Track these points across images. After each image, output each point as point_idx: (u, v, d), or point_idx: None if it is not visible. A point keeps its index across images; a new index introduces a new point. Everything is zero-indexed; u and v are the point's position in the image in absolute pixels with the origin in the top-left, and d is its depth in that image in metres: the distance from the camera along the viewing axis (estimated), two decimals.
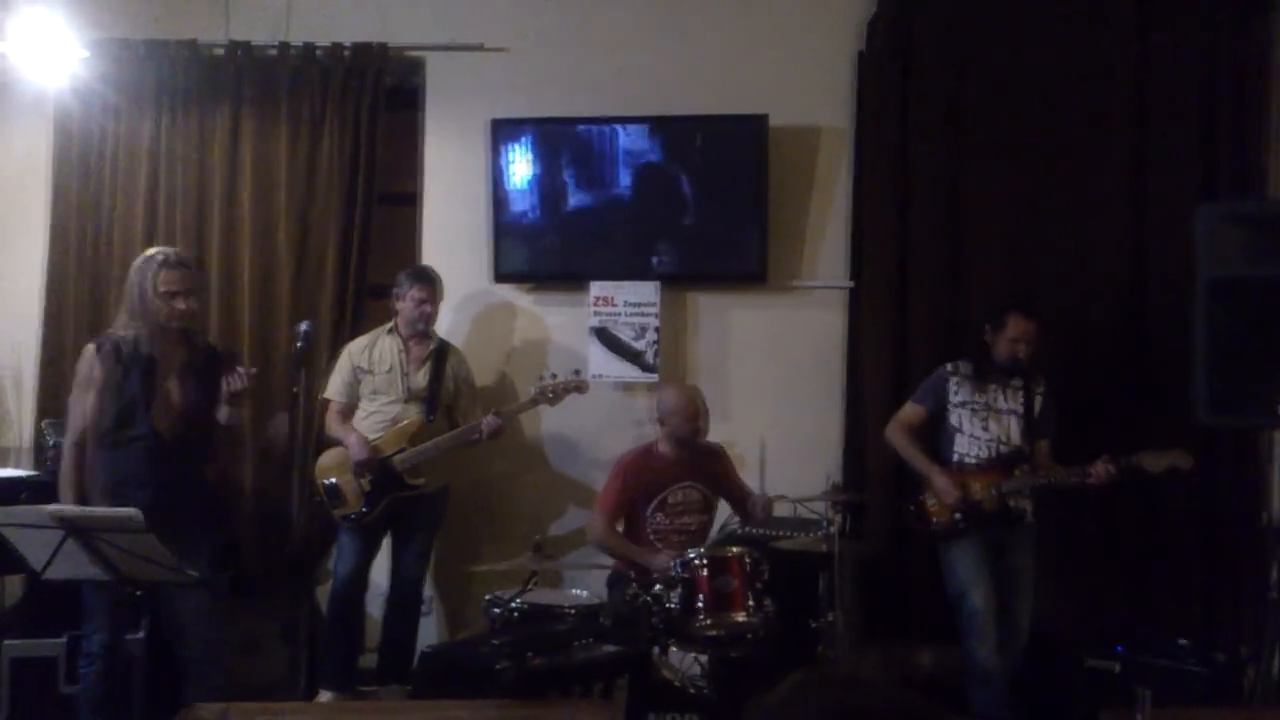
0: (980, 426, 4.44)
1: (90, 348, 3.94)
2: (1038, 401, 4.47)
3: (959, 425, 4.47)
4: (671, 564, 4.01)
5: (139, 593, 3.16)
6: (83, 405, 3.88)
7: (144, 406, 3.82)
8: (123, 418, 3.83)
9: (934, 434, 4.54)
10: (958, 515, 4.36)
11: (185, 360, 3.92)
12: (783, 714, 0.77)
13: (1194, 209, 4.28)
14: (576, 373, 4.87)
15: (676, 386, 4.74)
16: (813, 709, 0.76)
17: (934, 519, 4.41)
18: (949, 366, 4.56)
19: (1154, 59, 4.90)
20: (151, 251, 3.98)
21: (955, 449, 4.47)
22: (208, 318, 4.98)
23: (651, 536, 4.53)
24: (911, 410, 4.59)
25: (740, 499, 4.69)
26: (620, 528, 4.55)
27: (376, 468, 4.64)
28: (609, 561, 4.47)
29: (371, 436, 4.70)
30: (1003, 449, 4.41)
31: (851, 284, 5.16)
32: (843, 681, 0.81)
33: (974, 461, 4.42)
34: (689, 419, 4.51)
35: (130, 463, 3.83)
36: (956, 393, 4.50)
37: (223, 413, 3.96)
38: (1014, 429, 4.43)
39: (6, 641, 4.15)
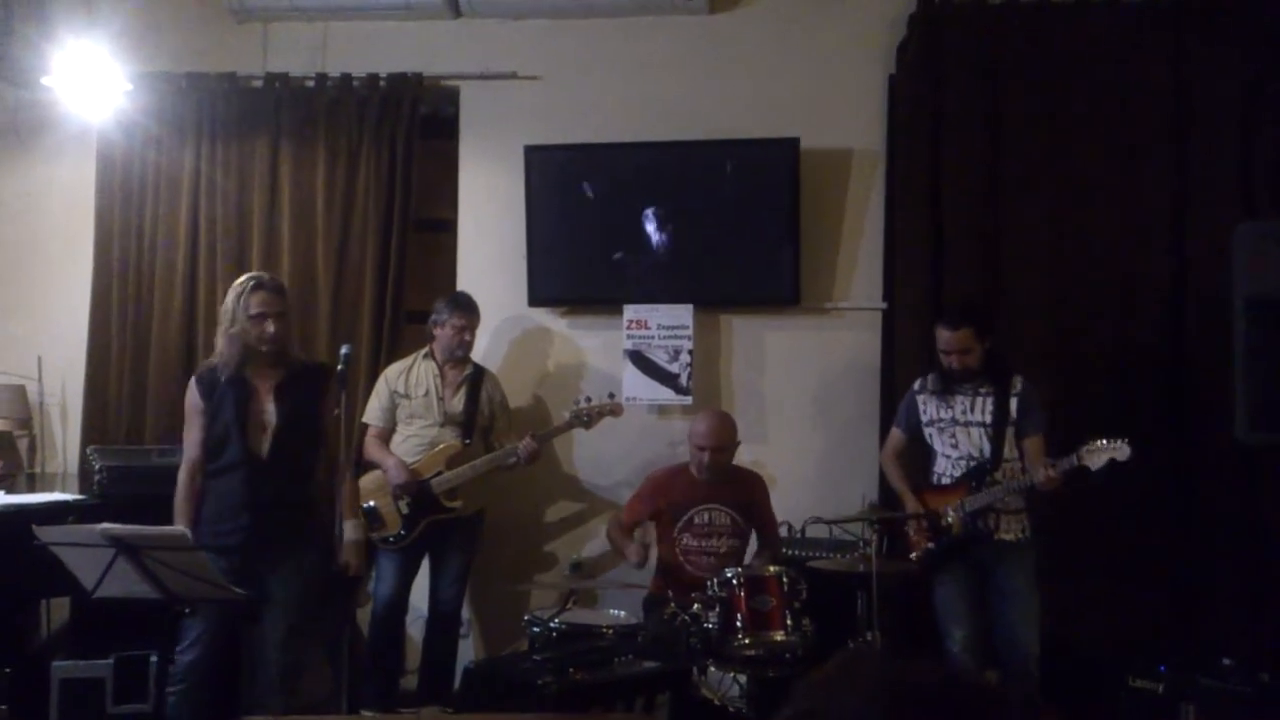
0: (950, 444, 4.35)
1: (192, 380, 4.01)
2: (1013, 404, 4.31)
3: (932, 444, 4.41)
4: (639, 556, 4.35)
5: (188, 611, 3.19)
6: (189, 436, 3.93)
7: (238, 430, 3.83)
8: (218, 443, 3.86)
9: (919, 458, 4.49)
10: (930, 544, 4.28)
11: (280, 380, 3.92)
12: (831, 688, 0.78)
13: (1233, 228, 4.27)
14: (611, 396, 4.91)
15: (707, 413, 4.74)
16: (861, 682, 0.78)
17: (913, 550, 4.33)
18: (917, 384, 4.50)
19: (1192, 78, 4.90)
20: (246, 276, 4.01)
21: (934, 470, 4.40)
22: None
23: (681, 558, 4.56)
24: (893, 435, 4.58)
25: (765, 531, 4.70)
26: (653, 544, 4.63)
27: (415, 491, 4.69)
28: (645, 581, 4.48)
29: (409, 460, 4.74)
30: (974, 464, 4.29)
31: (885, 305, 5.16)
32: (889, 656, 0.83)
33: (948, 481, 4.34)
34: (698, 445, 4.58)
35: (228, 488, 3.85)
36: (925, 411, 4.44)
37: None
38: (984, 441, 4.29)
39: (55, 663, 4.19)
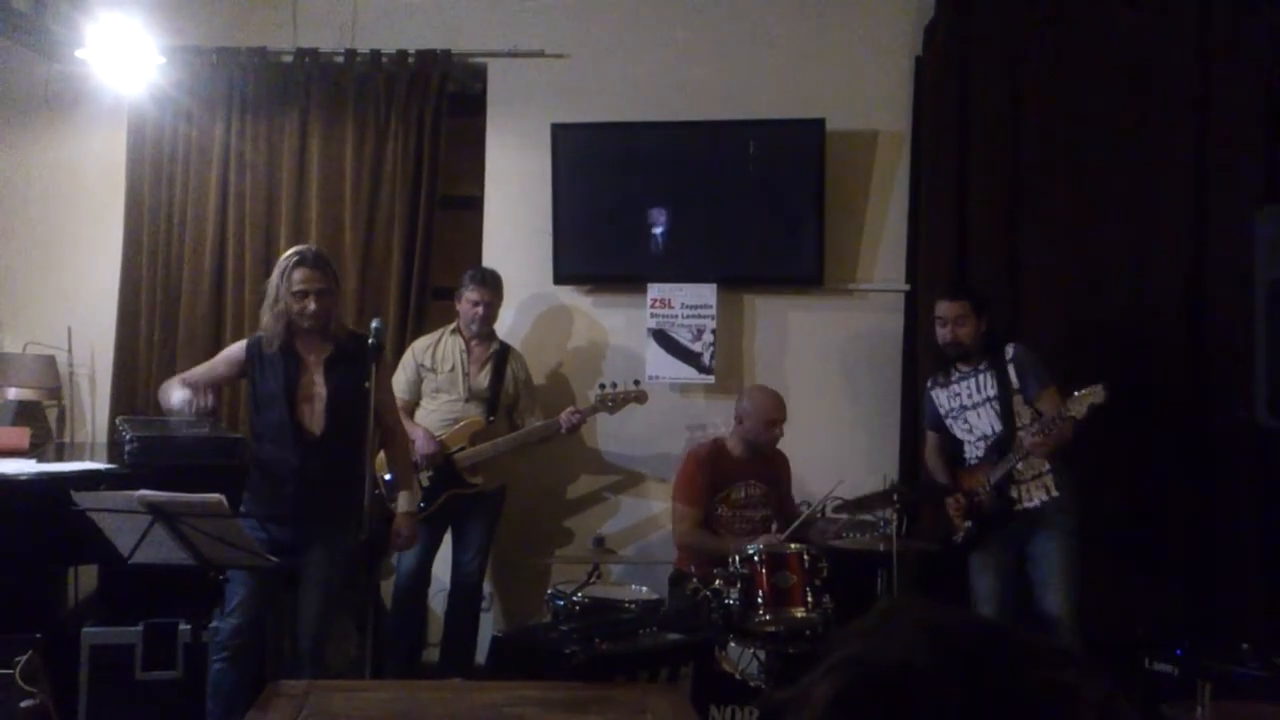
0: (966, 429, 4.46)
1: (244, 340, 4.07)
2: (1010, 371, 4.38)
3: (954, 433, 4.52)
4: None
5: (223, 578, 3.24)
6: (207, 367, 4.08)
7: (286, 402, 3.85)
8: (265, 416, 3.90)
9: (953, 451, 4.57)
10: (968, 523, 4.36)
11: (330, 354, 3.92)
12: (870, 635, 0.81)
13: (1255, 211, 4.28)
14: (636, 383, 4.94)
15: (763, 390, 4.73)
16: (900, 627, 0.80)
17: (957, 532, 4.41)
18: (929, 382, 4.62)
19: (1215, 60, 4.90)
20: (291, 250, 3.99)
21: (964, 456, 4.50)
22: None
23: (719, 530, 4.60)
24: (928, 436, 4.68)
25: (782, 508, 4.74)
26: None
27: (440, 462, 4.73)
28: (670, 558, 4.52)
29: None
30: (990, 441, 4.39)
31: (908, 287, 5.19)
32: (927, 604, 0.85)
33: (975, 462, 4.44)
34: (767, 425, 4.57)
35: (276, 458, 3.88)
36: (939, 404, 4.54)
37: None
38: (992, 417, 4.39)
39: (85, 629, 4.26)
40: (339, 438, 3.87)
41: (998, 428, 4.36)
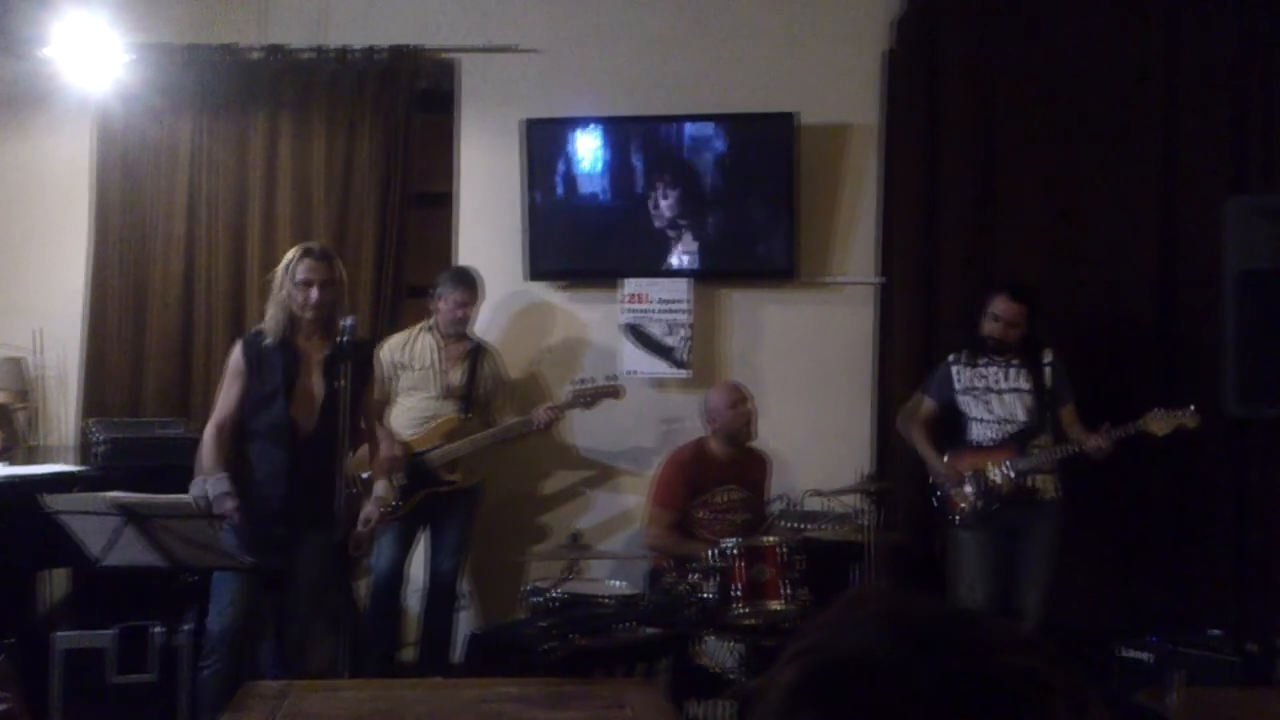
0: (985, 409, 4.50)
1: (239, 342, 4.00)
2: (1047, 374, 4.49)
3: (968, 411, 4.54)
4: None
5: (194, 579, 3.22)
6: (227, 395, 3.91)
7: (283, 401, 3.82)
8: (261, 407, 3.85)
9: (949, 425, 4.59)
10: (979, 501, 4.40)
11: (328, 353, 3.89)
12: (834, 623, 0.80)
13: (1224, 202, 4.32)
14: (612, 377, 4.93)
15: (716, 386, 4.75)
16: (863, 615, 0.80)
17: (959, 507, 4.45)
18: (952, 356, 4.63)
19: (1184, 52, 4.95)
20: (298, 245, 4.01)
21: (969, 435, 4.53)
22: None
23: (692, 528, 4.59)
24: (923, 403, 4.66)
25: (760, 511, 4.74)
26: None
27: (402, 467, 4.66)
28: (646, 553, 4.52)
29: (408, 433, 4.76)
30: (1010, 428, 4.45)
31: (881, 280, 5.21)
32: (891, 592, 0.85)
33: (989, 444, 4.48)
34: (732, 409, 4.54)
35: (269, 455, 3.85)
36: (959, 380, 4.56)
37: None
38: (1019, 406, 4.46)
39: (57, 633, 4.22)
40: (331, 439, 3.81)
41: (1023, 419, 4.44)
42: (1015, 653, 0.76)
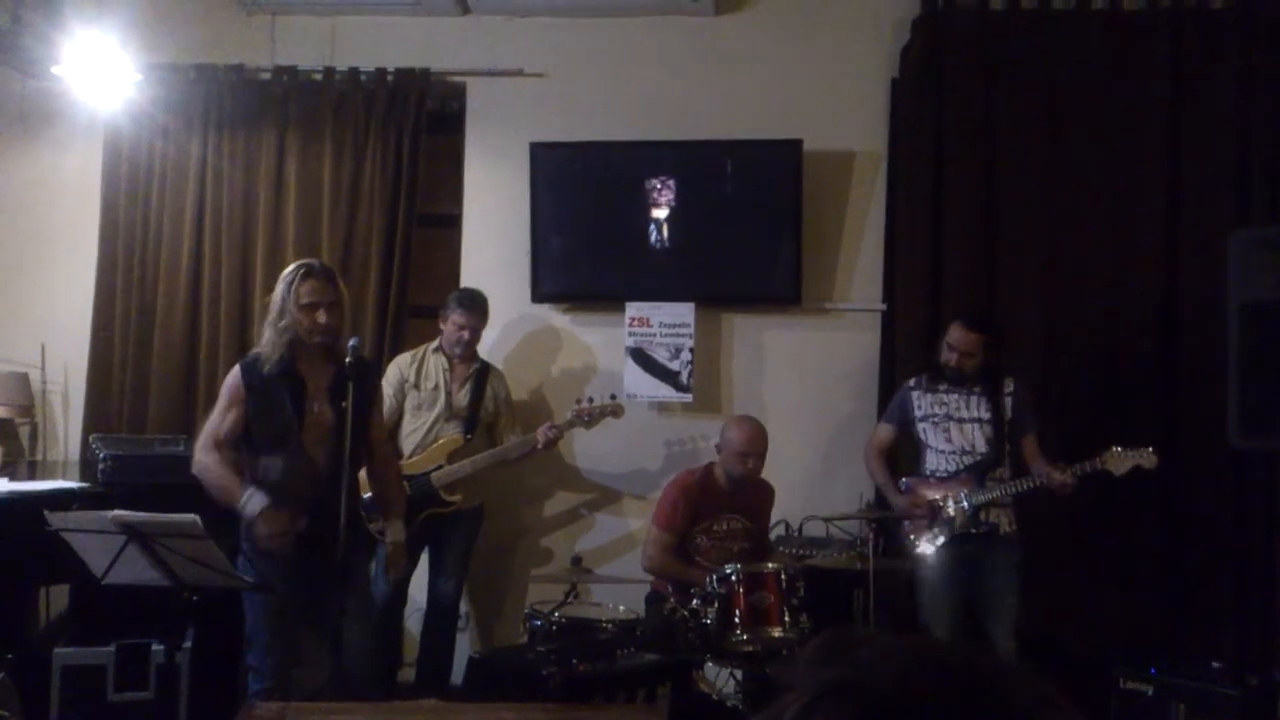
0: (944, 438, 4.44)
1: (237, 367, 3.77)
2: (1007, 404, 4.43)
3: (925, 439, 4.49)
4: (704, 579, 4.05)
5: (195, 599, 3.21)
6: (223, 419, 3.69)
7: (296, 430, 3.63)
8: (273, 441, 3.65)
9: (909, 452, 4.57)
10: (935, 533, 4.34)
11: (333, 379, 3.70)
12: (844, 662, 0.81)
13: (1227, 234, 4.33)
14: (613, 397, 4.94)
15: (743, 422, 4.57)
16: (879, 653, 0.80)
17: (912, 540, 4.39)
18: (911, 381, 4.59)
19: (1188, 84, 4.96)
20: (295, 264, 3.77)
21: (925, 464, 4.48)
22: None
23: (692, 553, 4.58)
24: (881, 429, 4.64)
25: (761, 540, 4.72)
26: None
27: (409, 485, 4.67)
28: (648, 577, 4.51)
29: (411, 454, 4.77)
30: (968, 459, 4.39)
31: (885, 306, 5.22)
32: (884, 633, 0.85)
33: (944, 475, 4.42)
34: (739, 458, 4.45)
35: (287, 490, 3.65)
36: (919, 406, 4.51)
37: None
38: (978, 437, 4.40)
39: (57, 649, 4.22)
40: (344, 463, 3.62)
41: (982, 449, 4.38)
42: (1045, 700, 0.77)
